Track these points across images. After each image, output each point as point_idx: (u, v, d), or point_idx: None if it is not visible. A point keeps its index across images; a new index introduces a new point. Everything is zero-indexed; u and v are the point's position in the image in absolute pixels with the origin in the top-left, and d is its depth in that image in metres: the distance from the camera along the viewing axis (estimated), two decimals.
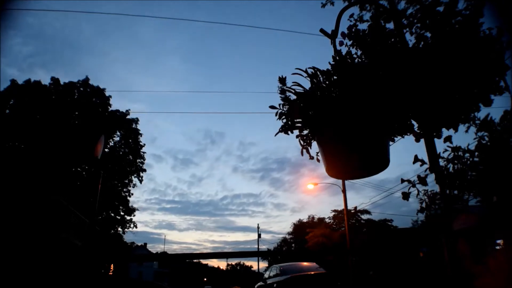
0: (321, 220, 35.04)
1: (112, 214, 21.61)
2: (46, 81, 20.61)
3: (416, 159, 1.71)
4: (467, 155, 1.78)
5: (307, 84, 1.45)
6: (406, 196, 1.81)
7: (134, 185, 22.78)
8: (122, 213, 22.25)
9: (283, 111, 1.54)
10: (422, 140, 1.81)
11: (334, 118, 1.35)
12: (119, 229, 22.45)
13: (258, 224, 46.59)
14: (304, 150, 1.57)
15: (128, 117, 22.41)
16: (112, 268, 17.79)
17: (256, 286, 11.35)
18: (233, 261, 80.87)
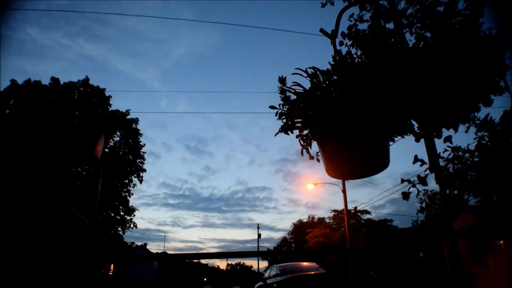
0: (321, 220, 35.04)
1: (112, 214, 21.60)
2: (46, 81, 20.64)
3: (416, 159, 1.70)
4: (467, 155, 1.78)
5: (307, 84, 1.45)
6: (406, 196, 1.80)
7: (134, 185, 22.80)
8: (122, 213, 22.26)
9: (283, 111, 1.54)
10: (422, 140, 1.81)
11: (334, 118, 1.35)
12: (119, 229, 22.45)
13: (258, 224, 46.52)
14: (304, 150, 1.57)
15: (128, 117, 22.42)
16: (112, 268, 17.79)
17: (256, 286, 11.35)
18: (233, 261, 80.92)
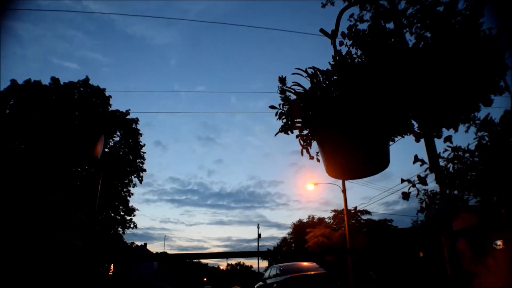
0: (321, 220, 35.05)
1: (112, 214, 21.61)
2: (46, 80, 20.65)
3: (416, 159, 1.70)
4: (467, 155, 1.77)
5: (307, 84, 1.45)
6: (406, 196, 1.80)
7: (134, 185, 22.81)
8: (122, 213, 22.27)
9: (283, 111, 1.54)
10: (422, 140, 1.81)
11: (334, 118, 1.35)
12: (119, 229, 22.46)
13: (258, 224, 46.60)
14: (304, 150, 1.57)
15: (128, 117, 22.43)
16: (112, 268, 17.79)
17: (256, 286, 11.35)
18: (233, 261, 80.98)
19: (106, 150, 20.36)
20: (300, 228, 36.11)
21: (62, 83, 20.75)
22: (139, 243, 47.88)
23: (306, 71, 1.44)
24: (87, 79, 21.38)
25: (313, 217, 37.95)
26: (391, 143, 1.49)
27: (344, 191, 19.18)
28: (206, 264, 74.09)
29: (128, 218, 22.61)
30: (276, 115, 1.54)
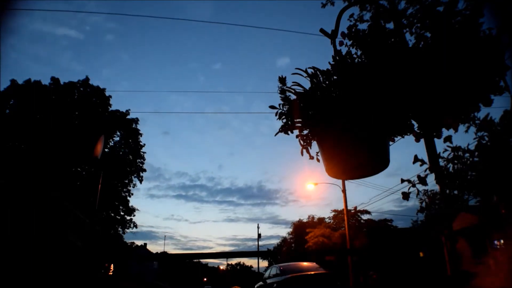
0: (321, 220, 35.06)
1: (112, 214, 21.62)
2: (46, 80, 20.65)
3: (416, 159, 1.70)
4: (467, 155, 1.77)
5: (307, 84, 1.45)
6: (406, 196, 1.80)
7: (134, 185, 22.82)
8: (122, 213, 22.28)
9: (283, 111, 1.54)
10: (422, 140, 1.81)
11: (334, 118, 1.36)
12: (119, 229, 22.47)
13: (258, 224, 46.65)
14: (304, 150, 1.57)
15: (128, 117, 22.44)
16: (112, 268, 17.79)
17: (256, 286, 11.35)
18: (233, 261, 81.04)
19: (106, 150, 20.37)
20: (300, 228, 36.11)
21: (62, 83, 20.77)
22: (139, 243, 47.95)
23: (306, 71, 1.44)
24: (87, 79, 21.40)
25: (313, 217, 37.97)
26: (391, 143, 1.49)
27: (344, 191, 19.18)
28: (206, 264, 74.18)
29: (128, 218, 22.63)
30: (276, 115, 1.54)
